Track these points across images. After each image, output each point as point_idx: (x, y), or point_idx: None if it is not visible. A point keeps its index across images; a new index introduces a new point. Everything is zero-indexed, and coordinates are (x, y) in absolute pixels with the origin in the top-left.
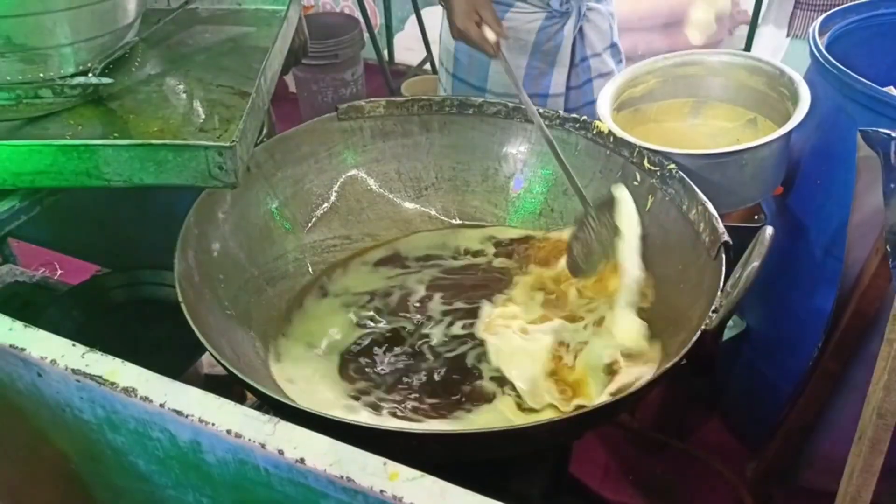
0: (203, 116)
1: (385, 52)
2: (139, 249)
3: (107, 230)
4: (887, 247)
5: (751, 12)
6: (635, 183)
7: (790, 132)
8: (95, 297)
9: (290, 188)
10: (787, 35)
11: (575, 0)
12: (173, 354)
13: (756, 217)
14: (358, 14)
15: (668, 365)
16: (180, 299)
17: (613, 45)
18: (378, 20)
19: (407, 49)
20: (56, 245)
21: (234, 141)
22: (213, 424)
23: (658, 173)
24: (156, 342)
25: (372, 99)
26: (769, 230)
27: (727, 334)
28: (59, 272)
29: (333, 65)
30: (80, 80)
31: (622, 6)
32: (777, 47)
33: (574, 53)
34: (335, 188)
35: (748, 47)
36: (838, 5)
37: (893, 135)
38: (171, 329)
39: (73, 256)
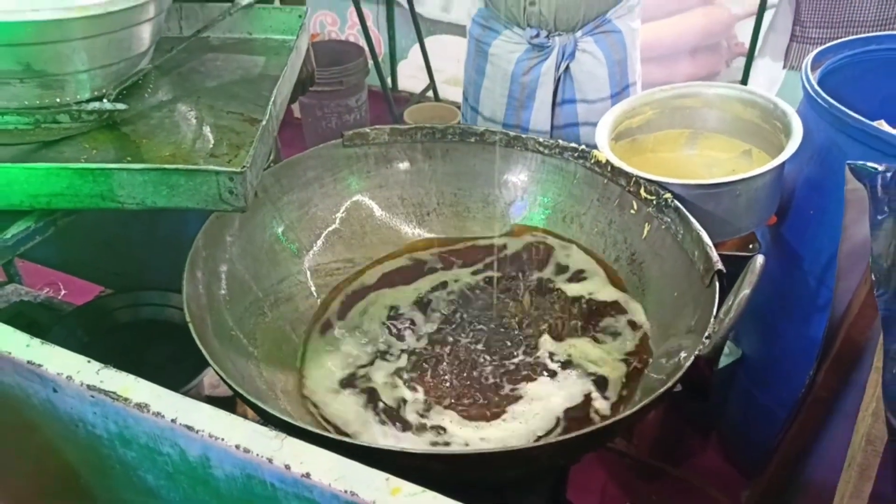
0: (214, 142)
1: (389, 80)
2: (144, 271)
3: (112, 251)
4: (873, 276)
5: (748, 45)
6: (632, 211)
7: (783, 164)
8: (100, 318)
9: (296, 212)
10: (784, 67)
11: (559, 38)
12: (175, 375)
13: (751, 246)
14: (363, 42)
15: (663, 389)
16: (188, 321)
17: (615, 94)
18: (383, 48)
19: (410, 77)
20: (61, 265)
21: (244, 166)
22: (223, 440)
23: (654, 202)
24: (158, 363)
25: (376, 126)
26: (760, 259)
27: (723, 361)
28: (63, 292)
29: (338, 91)
30: (96, 105)
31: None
32: (774, 79)
33: (557, 93)
34: (339, 213)
35: (745, 79)
36: (833, 39)
37: (880, 168)
38: (173, 350)
39: (78, 277)
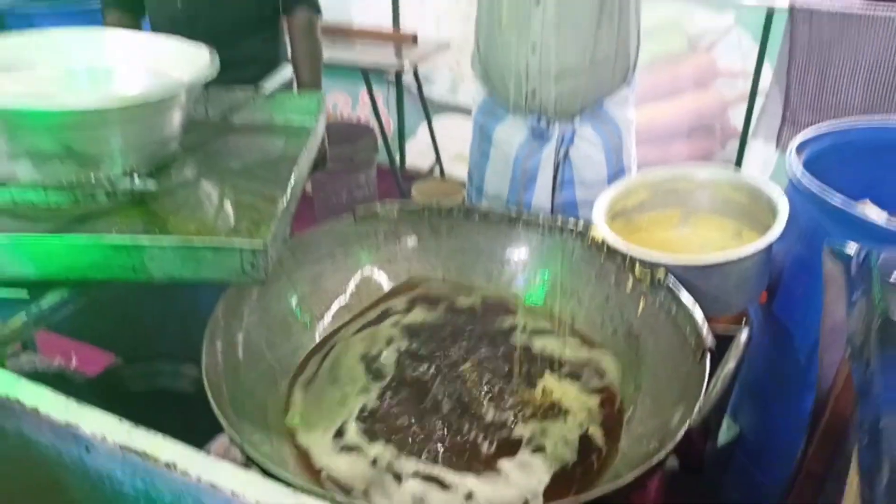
0: (236, 219)
1: (397, 157)
2: (156, 339)
3: (128, 321)
4: (848, 352)
5: (741, 128)
6: (628, 288)
7: (771, 245)
8: (114, 387)
9: (309, 285)
10: (777, 148)
11: (559, 125)
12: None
13: (743, 322)
14: (373, 121)
15: (654, 461)
16: (207, 389)
17: (611, 177)
18: (392, 127)
19: (418, 154)
20: (76, 334)
21: (266, 243)
22: (243, 497)
23: (648, 279)
24: (169, 431)
25: (386, 204)
26: (744, 334)
27: (722, 439)
28: (74, 361)
29: (349, 168)
30: (129, 184)
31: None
32: (767, 160)
33: (557, 175)
34: (350, 286)
35: (739, 160)
36: (822, 122)
37: (855, 250)
38: (184, 418)
39: (93, 345)
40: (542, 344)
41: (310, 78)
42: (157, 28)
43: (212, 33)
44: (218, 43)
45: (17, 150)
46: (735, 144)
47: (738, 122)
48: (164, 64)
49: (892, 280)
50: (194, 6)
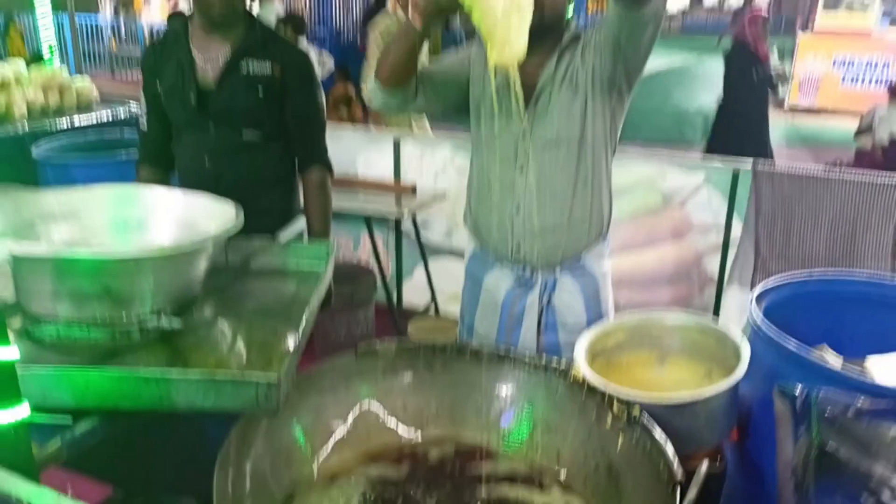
0: (252, 354)
1: (395, 296)
2: (157, 472)
3: (127, 452)
4: (792, 485)
5: (716, 275)
6: (607, 424)
7: (735, 386)
8: None
9: (312, 417)
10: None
11: (542, 273)
12: None
13: (718, 460)
14: (373, 263)
15: None
16: None
17: (590, 321)
18: (390, 268)
19: (414, 293)
20: (77, 465)
21: (279, 377)
22: None
23: (625, 417)
24: None
25: (385, 342)
26: (704, 465)
27: None
28: (69, 491)
29: (349, 307)
30: (158, 322)
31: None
32: (744, 305)
33: (542, 320)
34: (349, 418)
35: (717, 305)
36: (791, 270)
37: (798, 390)
38: None
39: (92, 477)
40: (516, 495)
41: (320, 227)
42: (185, 182)
43: (235, 188)
44: (240, 197)
45: (61, 290)
46: (713, 290)
47: (714, 270)
48: (194, 217)
49: (828, 415)
50: (221, 165)
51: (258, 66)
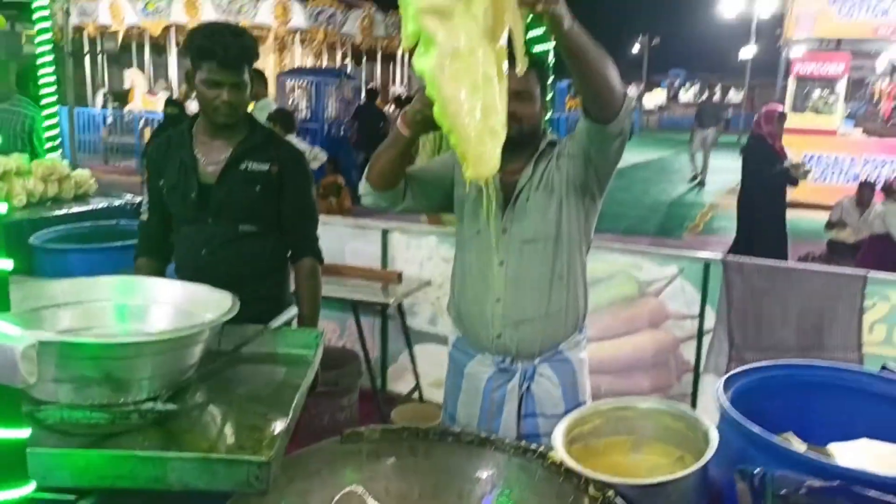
0: (243, 437)
1: (379, 381)
2: None
3: None
4: None
5: (693, 362)
6: None
7: (703, 469)
8: None
9: (298, 500)
10: None
11: (521, 363)
12: None
13: None
14: (359, 348)
15: None
16: None
17: (569, 411)
18: (376, 353)
19: (398, 379)
20: None
21: (270, 458)
22: None
23: (600, 500)
24: None
25: (370, 427)
26: None
27: None
28: None
29: (333, 392)
30: (157, 406)
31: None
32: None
33: (522, 407)
34: (334, 502)
35: (694, 393)
36: (763, 360)
37: (755, 472)
38: None
39: None
40: None
41: (310, 314)
42: (182, 272)
43: (230, 278)
44: (235, 285)
45: (63, 375)
46: (690, 378)
47: (691, 358)
48: (192, 306)
49: (783, 494)
50: (217, 256)
51: (257, 165)
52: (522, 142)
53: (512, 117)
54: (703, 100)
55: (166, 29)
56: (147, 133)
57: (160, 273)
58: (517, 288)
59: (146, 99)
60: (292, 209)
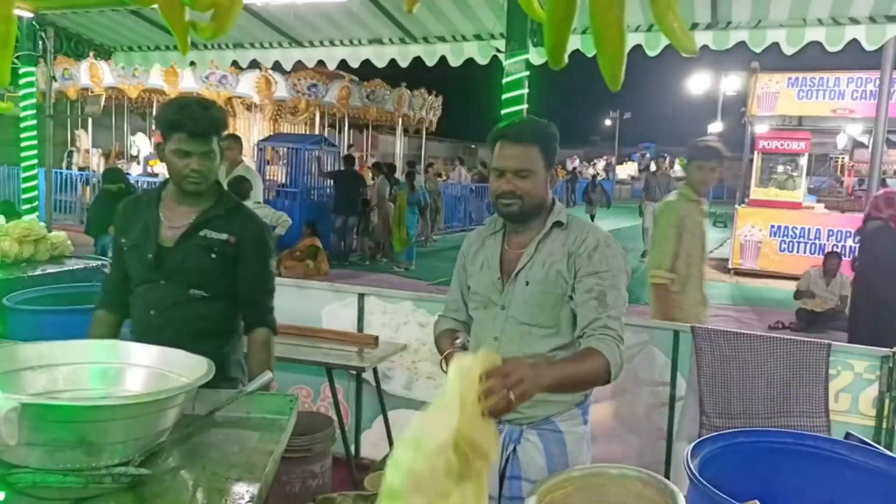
0: (214, 502)
1: (353, 447)
2: None
3: None
4: None
5: (665, 429)
6: None
7: None
8: None
9: None
10: None
11: (508, 427)
12: None
13: None
14: (332, 413)
15: None
16: None
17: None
18: (350, 418)
19: (373, 445)
20: None
21: None
22: None
23: None
24: None
25: (343, 493)
26: None
27: None
28: None
29: (306, 458)
30: (130, 470)
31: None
32: None
33: (507, 468)
34: None
35: (668, 459)
36: (733, 427)
37: None
38: None
39: None
40: None
41: (265, 361)
42: (135, 330)
43: (177, 338)
44: (181, 346)
45: (37, 438)
46: (663, 444)
47: (664, 424)
48: (167, 370)
49: None
50: (164, 317)
51: (215, 234)
52: (525, 216)
53: (512, 195)
54: (652, 172)
55: (144, 92)
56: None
57: (117, 326)
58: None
59: (86, 157)
60: (249, 280)
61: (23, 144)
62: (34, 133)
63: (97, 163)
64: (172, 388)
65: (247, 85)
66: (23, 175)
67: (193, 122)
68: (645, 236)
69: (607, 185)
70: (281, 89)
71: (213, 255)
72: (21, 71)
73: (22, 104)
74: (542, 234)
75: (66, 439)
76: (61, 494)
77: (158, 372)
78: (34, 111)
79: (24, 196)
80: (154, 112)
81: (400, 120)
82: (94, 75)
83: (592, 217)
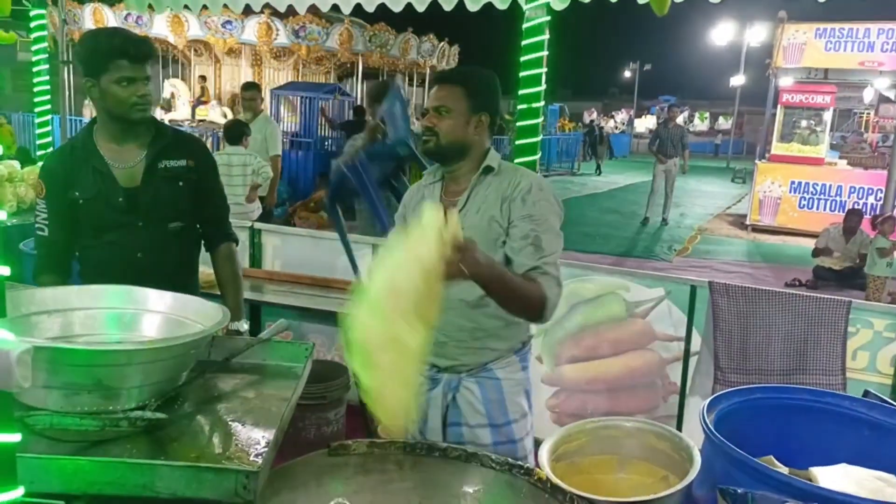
0: (231, 446)
1: None
2: None
3: None
4: None
5: (679, 384)
6: None
7: (687, 487)
8: None
9: None
10: None
11: (446, 375)
12: None
13: None
14: (346, 361)
15: None
16: None
17: (494, 426)
18: None
19: None
20: None
21: (259, 468)
22: None
23: None
24: None
25: (357, 440)
26: None
27: None
28: None
29: (321, 405)
30: (146, 414)
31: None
32: None
33: (447, 416)
34: None
35: (680, 414)
36: (748, 384)
37: (738, 491)
38: None
39: None
40: None
41: (234, 301)
42: (114, 276)
43: (164, 278)
44: (169, 285)
45: (53, 381)
46: (676, 399)
47: (678, 379)
48: (182, 316)
49: None
50: (152, 258)
51: (174, 163)
52: (442, 155)
53: (430, 131)
54: (662, 123)
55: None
56: None
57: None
58: (444, 306)
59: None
60: (213, 198)
61: (35, 90)
62: (46, 78)
63: None
64: (187, 335)
65: (250, 31)
66: (36, 121)
67: (134, 47)
68: (651, 198)
69: (624, 138)
70: (281, 36)
71: (181, 184)
72: (32, 13)
73: (33, 48)
74: (474, 180)
75: (82, 383)
76: (79, 436)
77: (174, 318)
78: (46, 55)
79: (38, 142)
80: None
81: (407, 69)
82: (98, 21)
83: (599, 169)
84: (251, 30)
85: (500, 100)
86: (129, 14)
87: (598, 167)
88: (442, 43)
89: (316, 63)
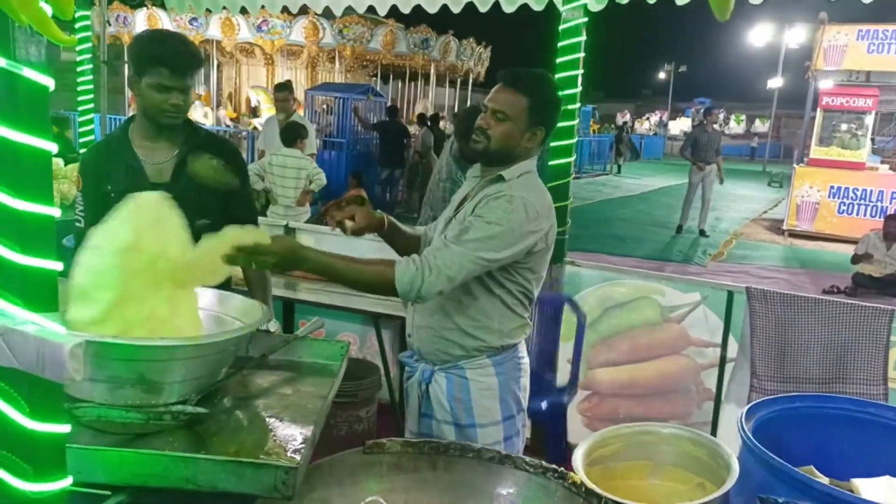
0: (269, 442)
1: (398, 394)
2: None
3: None
4: None
5: (714, 391)
6: None
7: (725, 496)
8: None
9: None
10: None
11: (422, 365)
12: None
13: None
14: (378, 361)
15: None
16: None
17: (458, 425)
18: (395, 367)
19: None
20: None
21: (298, 464)
22: None
23: None
24: None
25: (392, 439)
26: None
27: None
28: None
29: (352, 403)
30: (188, 408)
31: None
32: None
33: (421, 405)
34: None
35: (715, 421)
36: (785, 392)
37: (780, 500)
38: None
39: None
40: None
41: (262, 297)
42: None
43: None
44: None
45: (99, 375)
46: (710, 406)
47: (713, 385)
48: (223, 312)
49: None
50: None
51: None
52: (489, 158)
53: (482, 131)
54: (699, 125)
55: (203, 43)
56: None
57: None
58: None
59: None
60: (236, 202)
61: (79, 89)
62: (90, 78)
63: None
64: (228, 332)
65: (298, 33)
66: (79, 119)
67: (177, 58)
68: (686, 206)
69: (658, 140)
70: (327, 36)
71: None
72: (76, 14)
73: (78, 48)
74: (483, 182)
75: (126, 377)
76: (123, 429)
77: (214, 315)
78: (90, 55)
79: (80, 140)
80: (129, 45)
81: (447, 72)
82: (152, 25)
83: (619, 168)
84: (298, 31)
85: (559, 114)
86: (179, 16)
87: (619, 167)
88: (479, 46)
89: (343, 63)
